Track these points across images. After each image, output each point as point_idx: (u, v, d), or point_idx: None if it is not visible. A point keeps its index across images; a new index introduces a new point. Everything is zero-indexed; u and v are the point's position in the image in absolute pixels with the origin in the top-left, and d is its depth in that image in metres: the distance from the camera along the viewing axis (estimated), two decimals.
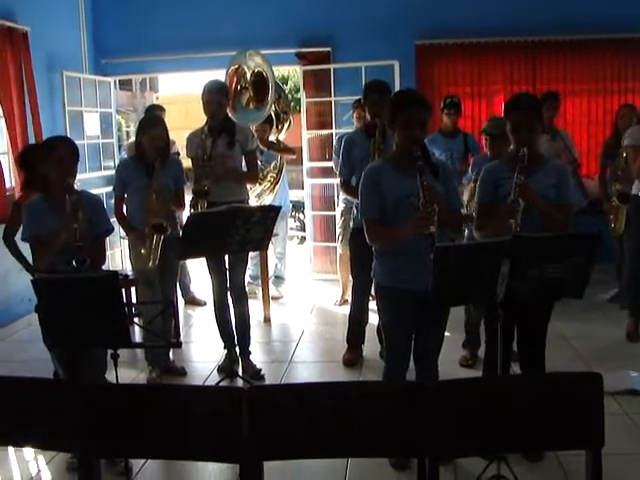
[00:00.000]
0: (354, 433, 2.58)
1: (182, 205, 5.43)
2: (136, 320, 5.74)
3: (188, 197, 5.53)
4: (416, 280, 3.47)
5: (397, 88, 7.62)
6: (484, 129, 5.46)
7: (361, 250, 5.46)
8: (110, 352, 3.44)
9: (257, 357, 5.78)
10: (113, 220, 5.34)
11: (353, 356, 5.69)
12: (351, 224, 5.75)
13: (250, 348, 5.62)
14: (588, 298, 6.76)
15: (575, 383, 2.62)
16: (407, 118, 3.68)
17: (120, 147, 9.74)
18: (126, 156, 7.42)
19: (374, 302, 6.48)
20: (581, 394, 2.55)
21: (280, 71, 19.69)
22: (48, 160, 4.11)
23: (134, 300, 5.85)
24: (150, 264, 5.12)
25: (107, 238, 4.56)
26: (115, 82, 9.59)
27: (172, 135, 7.41)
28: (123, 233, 6.14)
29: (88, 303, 3.14)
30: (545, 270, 3.22)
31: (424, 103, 3.75)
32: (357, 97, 7.18)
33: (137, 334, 5.77)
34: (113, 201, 5.46)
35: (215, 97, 5.44)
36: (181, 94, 22.87)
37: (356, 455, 3.29)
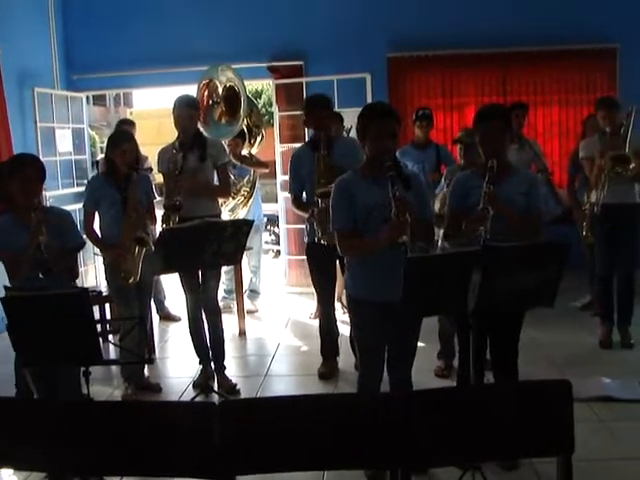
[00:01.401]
0: (328, 445, 2.58)
1: (153, 220, 5.41)
2: (110, 337, 5.74)
3: (159, 212, 5.52)
4: (388, 291, 3.47)
5: (369, 101, 7.67)
6: (458, 138, 5.47)
7: (317, 263, 5.54)
8: (82, 369, 3.42)
9: (232, 371, 5.75)
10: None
11: (328, 369, 5.68)
12: (305, 239, 5.76)
13: (225, 363, 5.59)
14: (560, 306, 6.79)
15: (545, 391, 2.64)
16: (378, 130, 3.70)
17: (94, 163, 9.69)
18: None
19: (342, 313, 6.59)
20: (551, 401, 2.58)
21: (253, 85, 19.75)
22: (13, 178, 4.09)
23: (108, 317, 5.81)
24: (131, 280, 5.09)
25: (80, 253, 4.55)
26: (88, 98, 9.54)
27: (145, 150, 7.43)
28: (97, 249, 6.09)
29: (58, 320, 3.12)
30: (516, 279, 3.25)
31: (394, 115, 3.78)
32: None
33: (112, 350, 5.77)
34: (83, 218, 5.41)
35: (186, 112, 5.44)
36: (155, 109, 22.77)
37: (331, 468, 3.28)
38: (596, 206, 5.87)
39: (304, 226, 5.74)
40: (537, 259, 3.28)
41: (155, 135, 16.37)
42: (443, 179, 5.46)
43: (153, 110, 23.18)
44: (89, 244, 5.31)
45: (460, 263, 3.26)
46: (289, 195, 5.80)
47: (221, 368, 5.54)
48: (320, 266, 5.56)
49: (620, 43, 8.31)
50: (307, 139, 6.39)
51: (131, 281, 5.08)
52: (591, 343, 6.12)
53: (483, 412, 2.60)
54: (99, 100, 26.38)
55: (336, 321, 5.80)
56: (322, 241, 5.24)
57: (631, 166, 5.53)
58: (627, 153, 5.54)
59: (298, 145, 8.36)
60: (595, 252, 6.24)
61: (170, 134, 5.65)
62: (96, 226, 5.31)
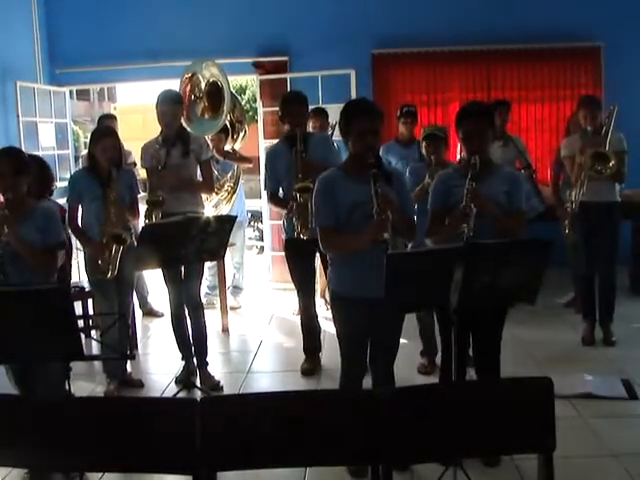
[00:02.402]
0: (310, 442, 2.57)
1: (137, 214, 5.38)
2: (93, 333, 5.71)
3: (143, 207, 5.49)
4: (370, 287, 3.46)
5: (354, 97, 7.65)
6: (428, 134, 5.39)
7: (296, 260, 5.54)
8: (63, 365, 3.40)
9: (215, 368, 5.74)
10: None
11: (311, 365, 5.68)
12: (283, 236, 5.76)
13: (208, 359, 5.59)
14: (544, 303, 6.90)
15: (527, 388, 2.64)
16: (360, 127, 3.70)
17: (77, 158, 9.64)
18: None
19: (325, 309, 6.58)
20: (533, 398, 2.58)
21: (238, 81, 19.71)
22: None
23: (91, 312, 5.79)
24: (109, 275, 5.07)
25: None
26: (71, 92, 9.49)
27: (129, 146, 7.39)
28: (79, 244, 6.06)
29: (38, 316, 3.09)
30: (498, 276, 3.25)
31: (376, 112, 3.79)
32: (312, 107, 7.23)
33: (94, 346, 5.75)
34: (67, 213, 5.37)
35: (169, 107, 5.43)
36: (139, 105, 22.70)
37: (312, 464, 3.29)
38: (574, 203, 5.89)
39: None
40: (519, 256, 3.28)
41: (139, 130, 16.32)
42: (408, 174, 5.37)
43: (137, 105, 23.12)
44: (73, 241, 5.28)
45: (442, 260, 3.25)
46: None
47: (204, 364, 5.53)
48: (299, 262, 5.57)
49: (604, 41, 8.37)
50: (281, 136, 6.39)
51: (108, 277, 5.06)
52: (574, 340, 6.15)
53: (465, 409, 2.59)
54: (83, 95, 26.28)
55: (317, 317, 5.80)
56: (302, 236, 5.25)
57: (610, 164, 5.56)
58: (607, 151, 5.57)
59: None
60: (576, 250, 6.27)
61: (154, 129, 5.62)
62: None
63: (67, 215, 5.25)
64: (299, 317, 6.04)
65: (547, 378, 2.57)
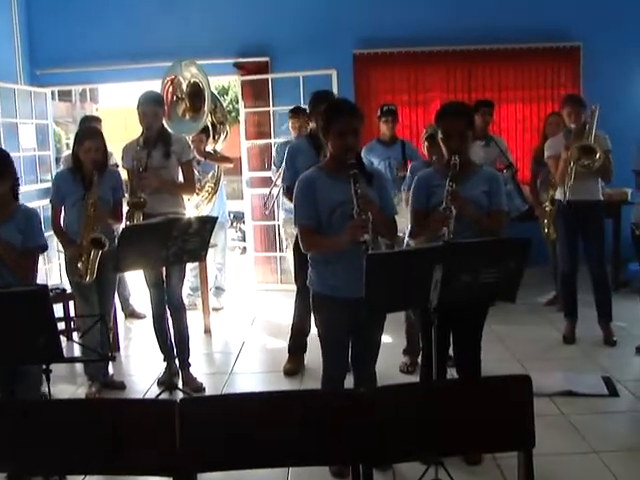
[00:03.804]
0: (292, 442, 2.57)
1: (120, 217, 5.34)
2: (75, 335, 5.69)
3: (124, 209, 5.47)
4: (351, 287, 3.47)
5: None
6: (431, 133, 5.42)
7: (304, 258, 5.48)
8: (43, 367, 3.38)
9: (198, 369, 5.73)
10: (50, 234, 5.29)
11: (294, 365, 5.68)
12: (295, 231, 5.75)
13: (190, 360, 5.58)
14: (525, 302, 6.95)
15: (506, 386, 2.65)
16: (340, 127, 3.70)
17: (58, 160, 9.59)
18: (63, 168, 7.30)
19: None
20: (512, 396, 2.59)
21: (220, 82, 19.69)
22: None
23: (73, 314, 5.77)
24: (87, 279, 5.05)
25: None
26: (52, 93, 9.45)
27: (111, 147, 7.34)
28: (60, 246, 6.03)
29: (17, 318, 3.08)
30: (477, 275, 3.26)
31: (356, 112, 3.79)
32: (292, 106, 7.29)
33: (76, 348, 5.72)
34: (50, 213, 5.33)
35: (150, 108, 5.41)
36: (121, 106, 22.66)
37: (294, 464, 3.29)
38: (563, 198, 5.89)
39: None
40: (498, 255, 3.29)
41: (121, 132, 16.29)
42: (409, 173, 5.44)
43: (119, 106, 23.06)
44: (52, 244, 5.26)
45: (421, 259, 3.26)
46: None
47: (186, 366, 5.52)
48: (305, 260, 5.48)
49: (583, 41, 8.42)
50: (306, 132, 6.35)
51: (86, 280, 5.05)
52: (555, 338, 6.19)
53: (445, 407, 2.60)
54: (65, 96, 26.12)
55: (310, 319, 5.76)
56: None
57: (597, 156, 5.57)
58: (592, 144, 5.58)
59: (264, 142, 8.42)
60: (557, 249, 6.31)
61: (136, 131, 5.60)
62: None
63: (51, 215, 5.23)
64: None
65: (526, 376, 2.58)
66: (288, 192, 5.61)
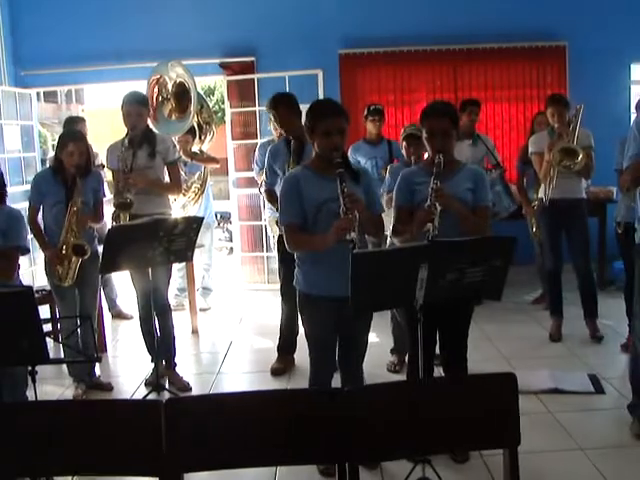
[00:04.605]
0: (279, 441, 2.56)
1: (100, 217, 5.31)
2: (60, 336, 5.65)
3: (110, 210, 5.46)
4: (337, 286, 3.47)
5: (321, 97, 7.67)
6: (409, 133, 5.44)
7: (286, 257, 5.45)
8: (29, 369, 3.37)
9: (185, 369, 5.73)
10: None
11: (281, 365, 5.68)
12: (269, 231, 5.75)
13: (178, 360, 5.58)
14: (512, 300, 6.98)
15: (491, 384, 2.65)
16: (326, 127, 3.70)
17: (44, 161, 9.55)
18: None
19: None
20: (497, 394, 2.59)
21: (207, 82, 19.67)
22: None
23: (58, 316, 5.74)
24: (67, 283, 5.04)
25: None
26: (38, 94, 9.40)
27: (97, 148, 7.33)
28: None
29: (2, 320, 3.06)
30: (463, 274, 3.27)
31: (341, 111, 3.79)
32: None
33: (62, 349, 5.70)
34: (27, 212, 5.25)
35: (135, 108, 5.40)
36: (107, 107, 22.58)
37: (281, 463, 3.29)
38: (545, 198, 5.94)
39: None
40: (483, 253, 3.30)
41: (108, 133, 16.22)
42: (388, 175, 5.42)
43: (105, 108, 22.99)
44: (36, 244, 5.23)
45: (406, 258, 3.26)
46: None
47: (172, 366, 5.52)
48: (286, 258, 5.45)
49: (568, 41, 8.45)
50: (275, 135, 6.35)
51: (65, 284, 5.03)
52: (541, 337, 6.21)
53: (431, 406, 2.61)
54: (50, 97, 26.06)
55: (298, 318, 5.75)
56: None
57: (578, 159, 5.61)
58: (574, 146, 5.62)
59: (250, 142, 8.41)
60: (543, 247, 6.34)
61: (123, 132, 5.58)
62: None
63: (28, 214, 5.17)
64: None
65: (511, 374, 2.59)
66: (267, 194, 5.63)
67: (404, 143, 5.41)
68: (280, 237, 5.66)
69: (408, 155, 5.36)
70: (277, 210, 5.40)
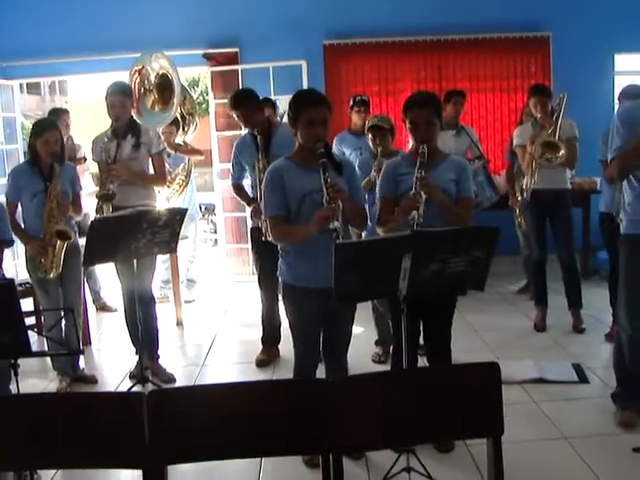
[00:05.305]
0: (262, 432, 2.56)
1: (79, 209, 5.27)
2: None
3: (92, 202, 5.43)
4: (320, 277, 3.46)
5: (305, 87, 7.65)
6: (374, 124, 5.38)
7: (262, 249, 5.46)
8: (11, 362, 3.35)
9: (170, 361, 5.71)
10: None
11: (266, 356, 5.68)
12: (250, 223, 5.75)
13: (162, 352, 5.56)
14: (497, 290, 7.00)
15: (475, 373, 2.65)
16: (309, 117, 3.69)
17: (26, 154, 9.48)
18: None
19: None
20: (480, 384, 2.59)
21: (191, 73, 19.58)
22: None
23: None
24: (52, 274, 5.00)
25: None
26: (21, 86, 9.33)
27: (81, 139, 7.29)
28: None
29: None
30: (446, 264, 3.26)
31: (324, 102, 3.78)
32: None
33: (45, 342, 5.67)
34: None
35: (118, 99, 5.37)
36: (91, 99, 22.47)
37: (265, 455, 3.29)
38: (525, 192, 5.97)
39: (245, 214, 5.70)
40: (467, 244, 3.29)
41: (92, 124, 16.15)
42: (357, 168, 5.38)
43: (89, 99, 22.88)
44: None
45: (389, 248, 3.26)
46: (228, 182, 5.82)
47: (155, 358, 5.50)
48: (264, 251, 5.43)
49: (552, 31, 8.46)
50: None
51: (51, 275, 5.00)
52: (526, 326, 6.24)
53: (415, 395, 2.61)
54: (34, 88, 25.88)
55: (279, 309, 5.75)
56: (268, 238, 5.15)
57: (560, 153, 5.63)
58: (556, 140, 5.64)
59: (234, 133, 8.37)
60: (528, 237, 6.36)
61: (107, 123, 5.54)
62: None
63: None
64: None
65: (495, 363, 2.58)
66: (234, 188, 5.65)
67: (369, 135, 5.40)
68: (253, 229, 5.67)
69: (374, 146, 5.35)
70: (247, 204, 5.50)
